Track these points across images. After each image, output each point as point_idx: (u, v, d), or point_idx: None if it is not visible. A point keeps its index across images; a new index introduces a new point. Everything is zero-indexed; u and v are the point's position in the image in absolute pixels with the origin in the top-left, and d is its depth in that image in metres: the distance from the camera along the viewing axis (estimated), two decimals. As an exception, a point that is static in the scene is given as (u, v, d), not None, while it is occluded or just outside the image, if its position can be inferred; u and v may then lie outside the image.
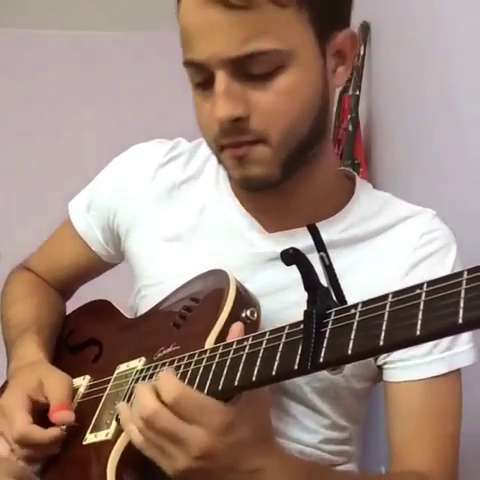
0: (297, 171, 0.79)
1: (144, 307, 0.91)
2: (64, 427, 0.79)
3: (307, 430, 0.85)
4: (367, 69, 1.92)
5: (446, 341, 0.81)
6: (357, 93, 1.89)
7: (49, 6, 2.75)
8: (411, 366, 0.82)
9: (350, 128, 1.86)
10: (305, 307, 0.60)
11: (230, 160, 0.78)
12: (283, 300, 0.80)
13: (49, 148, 2.84)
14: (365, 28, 1.90)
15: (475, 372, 0.83)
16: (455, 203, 1.24)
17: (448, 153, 1.34)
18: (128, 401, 0.76)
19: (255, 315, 0.76)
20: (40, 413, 0.80)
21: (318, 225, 0.81)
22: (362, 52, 1.90)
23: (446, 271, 0.82)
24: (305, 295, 0.61)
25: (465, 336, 0.83)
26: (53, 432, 0.78)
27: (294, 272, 0.63)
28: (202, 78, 0.75)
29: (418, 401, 0.82)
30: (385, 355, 0.83)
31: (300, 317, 0.61)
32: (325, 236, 0.76)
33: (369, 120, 1.92)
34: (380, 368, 0.85)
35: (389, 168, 1.77)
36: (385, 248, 0.84)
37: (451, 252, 0.84)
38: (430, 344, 0.81)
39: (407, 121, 1.61)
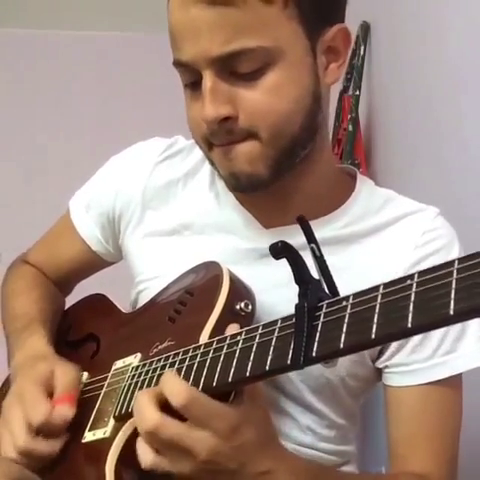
0: (286, 173, 0.79)
1: (141, 302, 0.92)
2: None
3: (303, 429, 0.85)
4: (367, 69, 1.92)
5: (449, 343, 0.80)
6: (357, 93, 1.89)
7: (49, 6, 2.77)
8: (413, 371, 0.81)
9: (350, 128, 1.86)
10: None
11: (219, 157, 0.78)
12: (279, 296, 0.78)
13: (49, 147, 2.85)
14: (365, 28, 1.91)
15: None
16: (456, 203, 1.24)
17: (449, 153, 1.34)
18: (124, 398, 0.76)
19: (250, 307, 0.75)
20: None
21: (317, 222, 0.81)
22: (362, 52, 1.90)
23: None
24: None
25: (472, 336, 0.81)
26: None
27: (290, 268, 0.62)
28: (191, 78, 0.75)
29: (419, 404, 0.82)
30: (386, 358, 0.83)
31: (294, 313, 0.60)
32: (324, 233, 0.75)
33: (369, 120, 1.92)
34: (379, 370, 0.84)
35: (389, 168, 1.77)
36: (385, 245, 0.83)
37: (453, 251, 0.83)
38: (432, 346, 0.80)
39: (407, 121, 1.61)
